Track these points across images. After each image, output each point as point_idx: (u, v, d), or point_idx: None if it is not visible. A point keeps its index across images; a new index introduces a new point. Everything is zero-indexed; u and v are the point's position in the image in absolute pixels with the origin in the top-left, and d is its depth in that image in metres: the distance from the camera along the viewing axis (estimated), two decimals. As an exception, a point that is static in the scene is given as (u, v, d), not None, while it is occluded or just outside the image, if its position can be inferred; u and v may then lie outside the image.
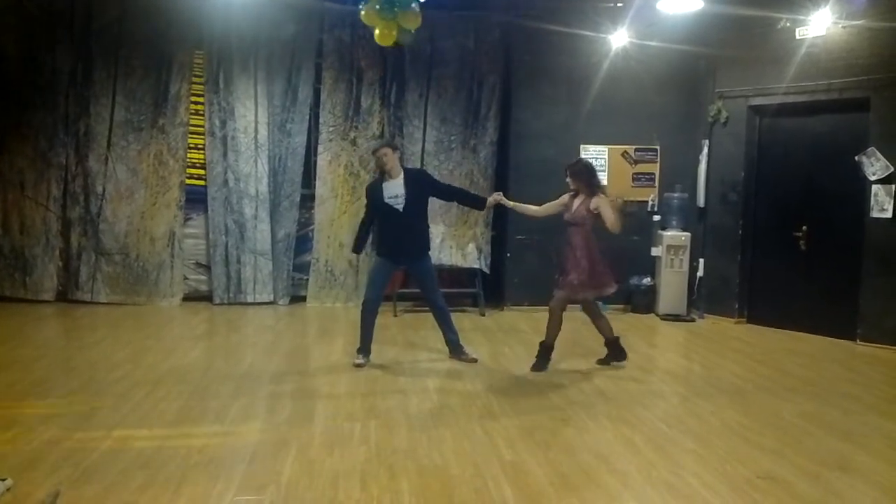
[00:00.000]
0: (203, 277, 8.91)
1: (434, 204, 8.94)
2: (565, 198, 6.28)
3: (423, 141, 8.93)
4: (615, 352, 6.38)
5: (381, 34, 6.65)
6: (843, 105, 7.40)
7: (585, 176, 6.16)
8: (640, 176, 8.95)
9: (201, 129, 8.77)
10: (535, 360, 6.20)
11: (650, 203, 8.93)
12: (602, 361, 6.39)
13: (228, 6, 8.28)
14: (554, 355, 6.26)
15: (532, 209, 6.50)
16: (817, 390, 5.76)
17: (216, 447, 4.29)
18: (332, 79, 8.81)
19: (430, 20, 7.13)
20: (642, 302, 8.81)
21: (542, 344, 6.22)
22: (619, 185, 8.88)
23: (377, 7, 6.45)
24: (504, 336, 7.49)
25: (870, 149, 7.14)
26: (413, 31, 6.80)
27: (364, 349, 6.22)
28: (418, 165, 8.95)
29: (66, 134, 8.57)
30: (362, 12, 6.59)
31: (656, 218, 8.84)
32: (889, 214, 7.06)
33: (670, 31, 8.14)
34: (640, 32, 8.28)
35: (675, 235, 8.63)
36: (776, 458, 4.29)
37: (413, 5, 6.50)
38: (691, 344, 7.61)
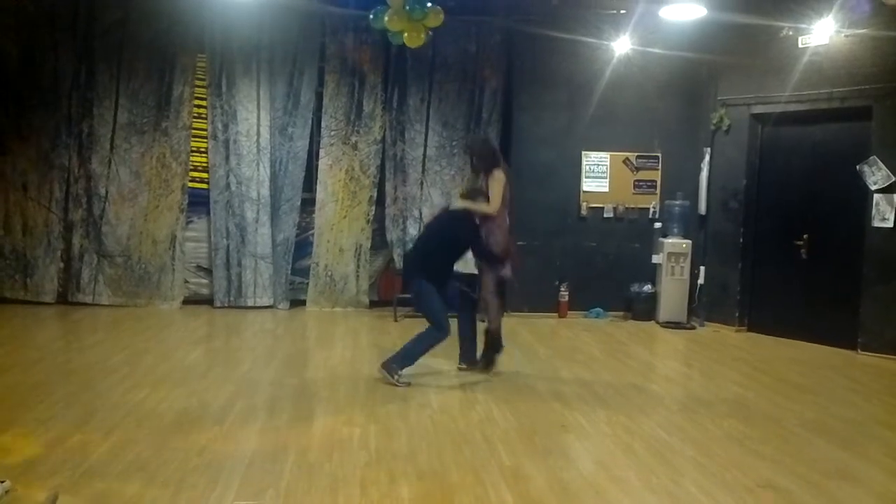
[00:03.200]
0: (204, 280, 8.91)
1: (434, 209, 8.98)
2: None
3: (425, 145, 8.94)
4: (492, 350, 6.25)
5: (410, 37, 6.70)
6: (845, 114, 7.41)
7: (490, 157, 6.06)
8: (641, 183, 8.95)
9: (204, 132, 8.78)
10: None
11: (651, 210, 8.94)
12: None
13: (231, 10, 8.31)
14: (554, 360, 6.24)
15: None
16: (818, 399, 5.75)
17: (215, 451, 4.28)
18: (334, 83, 8.82)
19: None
20: (643, 309, 8.81)
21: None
22: (620, 191, 8.90)
23: (406, 9, 6.48)
24: (504, 342, 7.46)
25: (871, 158, 7.14)
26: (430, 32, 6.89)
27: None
28: (420, 170, 8.97)
29: (68, 136, 8.58)
30: (386, 18, 6.60)
31: (657, 225, 8.85)
32: (890, 224, 7.06)
33: (673, 39, 8.16)
34: (643, 39, 8.30)
35: (676, 243, 8.63)
36: (776, 466, 4.28)
37: (432, 4, 6.59)
38: (691, 352, 7.60)
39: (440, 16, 6.72)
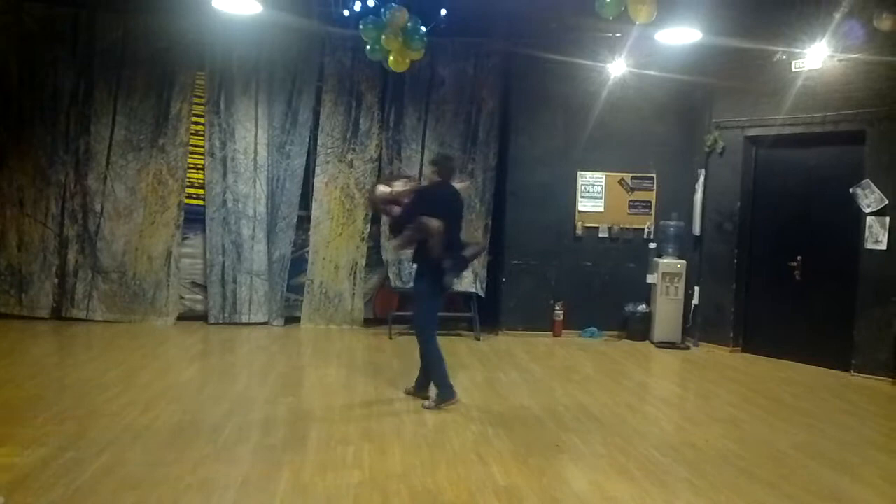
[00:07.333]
0: (199, 297, 8.90)
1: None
2: None
3: (421, 164, 8.97)
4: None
5: (396, 61, 6.80)
6: (839, 137, 7.47)
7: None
8: (636, 203, 8.99)
9: (201, 149, 8.81)
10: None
11: (646, 230, 8.98)
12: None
13: (231, 28, 8.37)
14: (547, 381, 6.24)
15: None
16: (812, 421, 5.76)
17: (209, 469, 4.26)
18: (331, 101, 8.87)
19: (430, 45, 7.23)
20: (637, 329, 8.82)
21: None
22: (615, 211, 8.94)
23: (402, 32, 6.60)
24: (499, 360, 7.48)
25: (864, 181, 7.20)
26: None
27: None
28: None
29: (65, 152, 8.60)
30: (383, 38, 6.71)
31: (652, 245, 8.88)
32: (883, 246, 7.11)
33: (668, 62, 8.24)
34: (639, 62, 8.38)
35: (670, 263, 8.67)
36: (770, 488, 4.28)
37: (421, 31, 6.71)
38: (686, 372, 7.61)
39: (421, 50, 6.94)
